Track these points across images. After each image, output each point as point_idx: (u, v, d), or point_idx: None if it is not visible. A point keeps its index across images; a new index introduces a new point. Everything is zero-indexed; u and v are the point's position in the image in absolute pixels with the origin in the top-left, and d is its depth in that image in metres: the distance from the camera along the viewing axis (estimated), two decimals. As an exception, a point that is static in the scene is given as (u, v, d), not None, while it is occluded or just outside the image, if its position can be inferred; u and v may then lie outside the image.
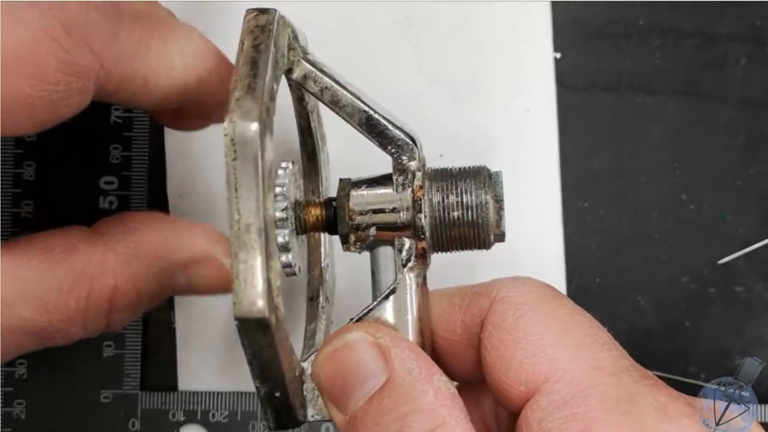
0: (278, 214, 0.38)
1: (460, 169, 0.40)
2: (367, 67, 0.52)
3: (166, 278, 0.42)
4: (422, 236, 0.39)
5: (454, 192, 0.39)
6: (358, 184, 0.40)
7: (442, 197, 0.39)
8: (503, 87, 0.53)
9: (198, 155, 0.53)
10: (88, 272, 0.40)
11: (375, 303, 0.39)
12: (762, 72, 0.53)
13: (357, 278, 0.46)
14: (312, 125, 0.46)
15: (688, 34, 0.53)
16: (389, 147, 0.39)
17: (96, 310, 0.40)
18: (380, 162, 0.41)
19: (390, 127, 0.39)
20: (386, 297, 0.39)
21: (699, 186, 0.53)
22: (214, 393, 0.52)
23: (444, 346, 0.40)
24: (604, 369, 0.36)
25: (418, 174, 0.39)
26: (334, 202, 0.41)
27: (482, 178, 0.40)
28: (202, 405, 0.52)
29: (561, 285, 0.53)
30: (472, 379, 0.40)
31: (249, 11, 0.38)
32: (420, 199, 0.39)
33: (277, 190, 0.38)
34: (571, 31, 0.54)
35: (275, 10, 0.38)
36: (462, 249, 0.40)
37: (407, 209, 0.39)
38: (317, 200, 0.42)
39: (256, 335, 0.34)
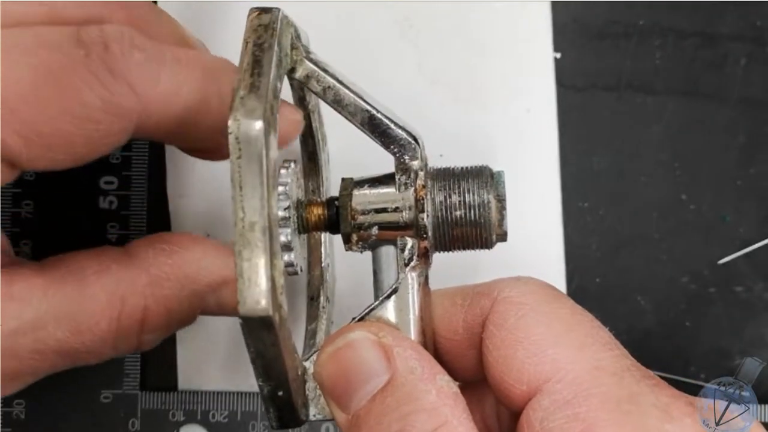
0: (281, 213, 0.38)
1: (462, 168, 0.40)
2: (367, 67, 0.52)
3: (197, 299, 0.42)
4: (425, 236, 0.39)
5: (456, 191, 0.39)
6: (361, 183, 0.40)
7: (445, 197, 0.39)
8: (503, 87, 0.53)
9: (198, 155, 0.53)
10: (119, 293, 0.40)
11: (377, 302, 0.39)
12: (762, 72, 0.53)
13: (357, 278, 0.46)
14: (313, 125, 0.46)
15: (688, 34, 0.53)
16: (392, 146, 0.40)
17: (127, 331, 0.40)
18: (381, 162, 0.41)
19: (392, 126, 0.39)
20: (388, 296, 0.39)
21: (699, 186, 0.53)
22: (214, 393, 0.52)
23: (446, 346, 0.40)
24: (606, 369, 0.36)
25: (421, 173, 0.39)
26: (336, 202, 0.41)
27: (484, 177, 0.40)
28: (202, 405, 0.52)
29: (561, 285, 0.53)
30: (474, 379, 0.40)
31: (252, 10, 0.38)
32: (422, 199, 0.39)
33: (280, 189, 0.38)
34: (571, 31, 0.54)
35: (278, 9, 0.38)
36: (464, 248, 0.40)
37: (410, 208, 0.39)
38: (319, 199, 0.42)
39: (260, 333, 0.34)
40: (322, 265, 0.47)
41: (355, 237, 0.40)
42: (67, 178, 0.52)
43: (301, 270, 0.41)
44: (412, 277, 0.39)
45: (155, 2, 0.52)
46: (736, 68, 0.53)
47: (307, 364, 0.39)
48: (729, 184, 0.53)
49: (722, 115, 0.53)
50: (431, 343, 0.40)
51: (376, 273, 0.41)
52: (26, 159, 0.37)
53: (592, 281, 0.53)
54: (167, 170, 0.53)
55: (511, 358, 0.37)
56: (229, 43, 0.42)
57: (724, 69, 0.53)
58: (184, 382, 0.53)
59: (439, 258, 0.41)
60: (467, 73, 0.53)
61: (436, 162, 0.41)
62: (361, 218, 0.40)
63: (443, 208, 0.39)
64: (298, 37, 0.40)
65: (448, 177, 0.40)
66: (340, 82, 0.40)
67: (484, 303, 0.39)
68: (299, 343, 0.43)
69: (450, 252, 0.40)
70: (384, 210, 0.40)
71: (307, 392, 0.39)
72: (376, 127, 0.40)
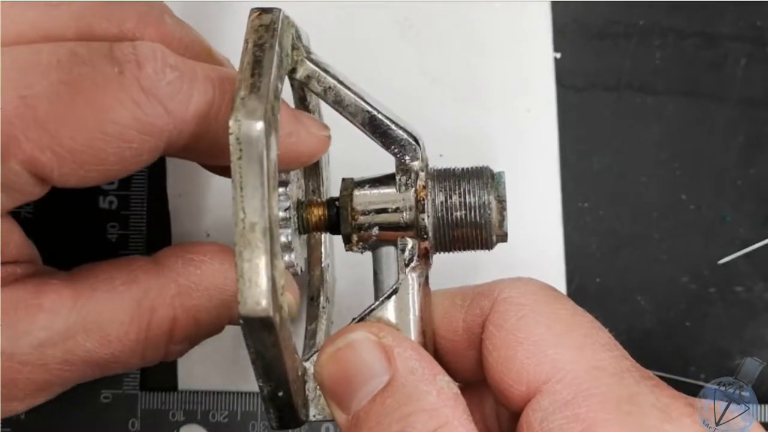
0: (281, 214, 0.38)
1: (463, 169, 0.40)
2: (367, 67, 0.52)
3: (225, 310, 0.42)
4: (425, 236, 0.39)
5: (457, 192, 0.39)
6: (361, 183, 0.40)
7: (445, 197, 0.39)
8: (503, 87, 0.53)
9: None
10: (148, 304, 0.40)
11: (377, 303, 0.39)
12: (762, 72, 0.53)
13: (357, 278, 0.46)
14: (313, 125, 0.46)
15: (688, 34, 0.53)
16: (392, 147, 0.40)
17: (155, 341, 0.40)
18: (382, 163, 0.41)
19: (393, 127, 0.39)
20: (388, 297, 0.39)
21: (699, 186, 0.53)
22: (214, 393, 0.52)
23: (446, 346, 0.41)
24: (606, 369, 0.36)
25: (422, 174, 0.40)
26: (336, 202, 0.41)
27: (485, 178, 0.40)
28: (202, 405, 0.52)
29: (561, 285, 0.53)
30: (474, 379, 0.40)
31: (253, 10, 0.38)
32: (423, 199, 0.39)
33: (280, 189, 0.38)
34: (571, 31, 0.54)
35: (279, 10, 0.38)
36: (464, 249, 0.40)
37: (410, 209, 0.39)
38: (319, 200, 0.42)
39: (261, 334, 0.34)
40: (322, 265, 0.47)
41: (355, 237, 0.40)
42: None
43: (301, 270, 0.41)
44: (412, 278, 0.40)
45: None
46: (736, 68, 0.53)
47: (307, 364, 0.39)
48: (729, 184, 0.53)
49: (722, 115, 0.53)
50: (431, 344, 0.40)
51: (376, 273, 0.41)
52: (57, 175, 0.37)
53: (592, 281, 0.53)
54: (167, 170, 0.53)
55: (511, 359, 0.37)
56: (230, 43, 0.42)
57: (724, 69, 0.53)
58: (184, 382, 0.53)
59: (439, 258, 0.41)
60: (467, 73, 0.53)
61: (435, 162, 0.41)
62: (361, 219, 0.40)
63: (444, 208, 0.39)
64: (299, 37, 0.40)
65: (449, 178, 0.40)
66: (341, 83, 0.40)
67: (484, 303, 0.39)
68: (299, 343, 0.43)
69: (450, 252, 0.40)
70: (384, 210, 0.40)
71: (307, 393, 0.39)
72: (376, 128, 0.40)
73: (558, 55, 0.53)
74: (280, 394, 0.37)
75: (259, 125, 0.33)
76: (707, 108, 0.53)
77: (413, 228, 0.39)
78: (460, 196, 0.39)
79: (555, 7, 0.53)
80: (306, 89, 0.43)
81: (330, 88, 0.40)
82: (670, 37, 0.53)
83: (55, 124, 0.36)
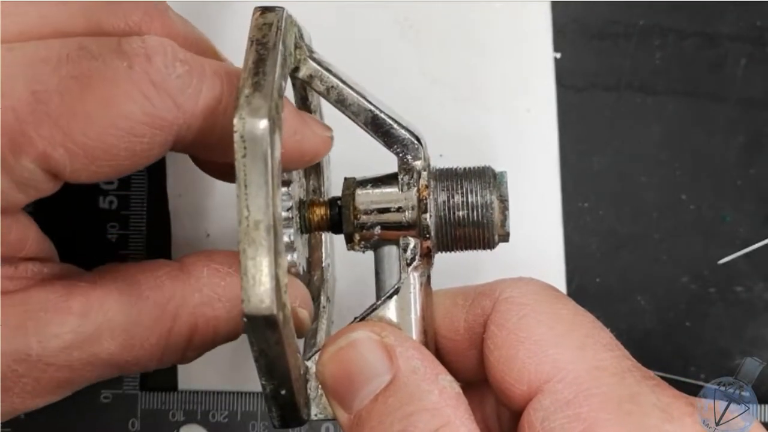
0: (284, 213, 0.38)
1: (465, 169, 0.40)
2: (367, 67, 0.51)
3: None
4: (427, 236, 0.39)
5: (459, 192, 0.40)
6: (363, 183, 0.40)
7: (448, 197, 0.39)
8: (503, 87, 0.53)
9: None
10: (171, 310, 0.40)
11: (379, 302, 0.39)
12: (762, 72, 0.53)
13: (358, 278, 0.46)
14: (314, 125, 0.46)
15: (688, 34, 0.53)
16: (395, 146, 0.40)
17: (175, 347, 0.40)
18: (384, 162, 0.41)
19: (395, 126, 0.39)
20: (390, 296, 0.39)
21: (699, 186, 0.53)
22: (214, 393, 0.52)
23: (447, 346, 0.41)
24: (607, 369, 0.36)
25: (424, 173, 0.40)
26: (338, 202, 0.41)
27: (487, 178, 0.40)
28: (202, 405, 0.52)
29: (561, 285, 0.53)
30: (475, 379, 0.40)
31: (257, 9, 0.38)
32: (425, 199, 0.39)
33: (283, 189, 0.38)
34: (571, 31, 0.54)
35: (283, 9, 0.38)
36: (466, 249, 0.40)
37: (412, 208, 0.39)
38: (322, 199, 0.42)
39: (264, 332, 0.34)
40: (323, 265, 0.47)
41: (357, 237, 0.40)
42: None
43: (303, 270, 0.41)
44: (414, 277, 0.40)
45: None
46: (736, 68, 0.53)
47: (308, 363, 0.39)
48: (729, 184, 0.53)
49: (722, 115, 0.53)
50: (433, 344, 0.40)
51: (378, 273, 0.41)
52: (69, 171, 0.37)
53: (592, 281, 0.53)
54: (167, 170, 0.53)
55: (512, 358, 0.37)
56: (230, 43, 0.42)
57: (724, 69, 0.53)
58: (184, 382, 0.53)
59: (440, 258, 0.41)
60: (467, 73, 0.53)
61: (436, 162, 0.41)
62: (363, 218, 0.40)
63: (446, 208, 0.39)
64: (301, 36, 0.40)
65: (451, 177, 0.40)
66: (344, 82, 0.40)
67: (485, 303, 0.39)
68: (299, 342, 0.43)
69: (452, 252, 0.41)
70: (387, 210, 0.40)
71: (309, 392, 0.39)
72: (379, 127, 0.40)
73: (558, 55, 0.53)
74: (283, 392, 0.37)
75: (264, 123, 0.33)
76: (707, 108, 0.53)
77: (415, 227, 0.39)
78: (462, 196, 0.39)
79: (555, 7, 0.53)
80: (308, 88, 0.43)
81: (333, 87, 0.40)
82: (670, 37, 0.53)
83: (67, 119, 0.36)
